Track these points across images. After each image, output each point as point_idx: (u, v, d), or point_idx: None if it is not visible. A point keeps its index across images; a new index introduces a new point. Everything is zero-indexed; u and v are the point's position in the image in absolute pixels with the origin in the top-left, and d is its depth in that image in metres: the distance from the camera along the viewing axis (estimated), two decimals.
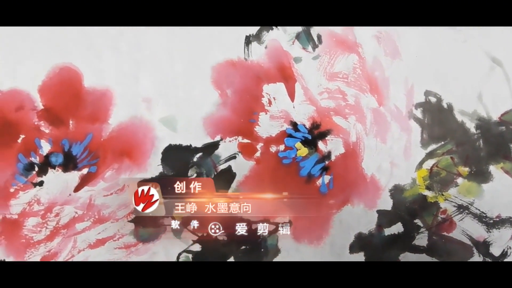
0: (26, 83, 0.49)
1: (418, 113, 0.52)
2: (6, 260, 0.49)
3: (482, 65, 0.53)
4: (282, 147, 0.51)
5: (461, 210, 0.52)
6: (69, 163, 0.49)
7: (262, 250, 0.51)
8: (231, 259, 0.51)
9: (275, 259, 0.51)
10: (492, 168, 0.52)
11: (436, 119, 0.52)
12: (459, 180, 0.52)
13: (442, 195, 0.52)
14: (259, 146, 0.51)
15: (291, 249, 0.51)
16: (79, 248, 0.49)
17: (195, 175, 0.50)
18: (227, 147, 0.51)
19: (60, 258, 0.49)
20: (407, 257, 0.52)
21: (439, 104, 0.52)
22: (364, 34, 0.52)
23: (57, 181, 0.49)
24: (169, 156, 0.50)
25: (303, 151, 0.51)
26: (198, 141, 0.50)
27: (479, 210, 0.53)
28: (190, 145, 0.50)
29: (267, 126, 0.51)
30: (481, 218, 0.52)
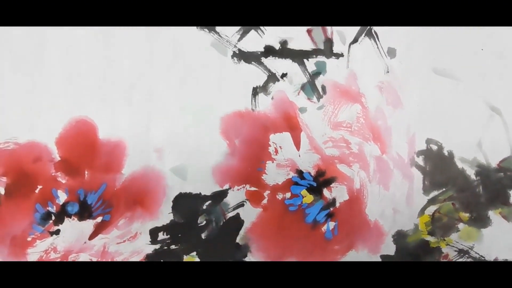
0: (44, 136, 0.51)
1: (420, 160, 0.54)
2: None
3: (481, 113, 0.55)
4: (288, 195, 0.53)
5: (462, 254, 0.54)
6: (84, 212, 0.52)
7: None
8: None
9: None
10: (491, 213, 0.54)
11: (438, 166, 0.54)
12: (460, 225, 0.54)
13: (444, 240, 0.54)
14: (266, 193, 0.53)
15: None
16: None
17: (204, 222, 0.53)
18: (235, 195, 0.53)
19: None
20: None
21: (440, 152, 0.54)
22: (367, 84, 0.54)
23: (73, 229, 0.51)
24: (180, 204, 0.52)
25: (308, 198, 0.54)
26: (207, 190, 0.53)
27: (478, 253, 0.55)
28: (200, 193, 0.53)
29: (273, 174, 0.53)
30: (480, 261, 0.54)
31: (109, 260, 0.52)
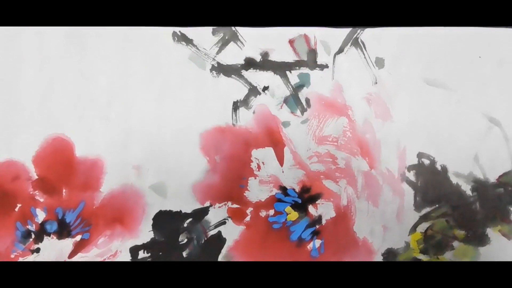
0: (21, 154, 0.51)
1: (411, 175, 0.52)
2: None
3: (479, 125, 0.52)
4: (272, 212, 0.52)
5: None
6: (63, 230, 0.52)
7: None
8: None
9: None
10: (489, 231, 0.52)
11: (430, 181, 0.52)
12: (455, 243, 0.52)
13: (438, 258, 0.52)
14: (249, 211, 0.52)
15: None
16: None
17: (185, 240, 0.52)
18: (217, 212, 0.52)
19: None
20: None
21: (432, 167, 0.52)
22: (354, 96, 0.52)
23: (52, 247, 0.52)
24: (160, 222, 0.52)
25: (293, 215, 0.52)
26: (188, 207, 0.52)
27: None
28: (180, 211, 0.52)
29: (256, 191, 0.52)
30: None
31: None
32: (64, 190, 0.52)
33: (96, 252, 0.52)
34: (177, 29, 0.51)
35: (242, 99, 0.52)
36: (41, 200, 0.52)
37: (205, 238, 0.52)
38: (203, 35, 0.51)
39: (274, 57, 0.52)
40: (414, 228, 0.52)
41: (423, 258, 0.52)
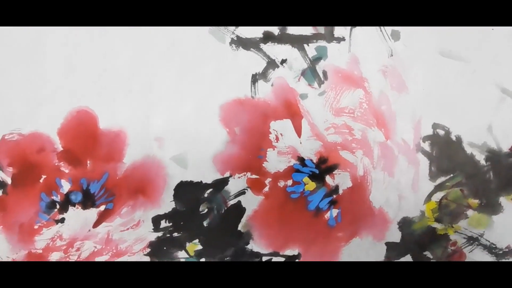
0: (46, 126, 0.52)
1: (426, 146, 0.53)
2: None
3: (492, 96, 0.53)
4: (290, 182, 0.53)
5: (471, 241, 0.54)
6: (87, 201, 0.53)
7: None
8: None
9: None
10: (503, 200, 0.53)
11: (445, 152, 0.53)
12: (469, 212, 0.53)
13: (452, 227, 0.53)
14: (268, 181, 0.53)
15: None
16: None
17: (206, 210, 0.53)
18: (236, 183, 0.53)
19: None
20: None
21: (447, 137, 0.53)
22: (370, 69, 0.53)
23: (77, 218, 0.53)
24: (181, 192, 0.53)
25: (310, 185, 0.53)
26: (208, 178, 0.53)
27: (488, 241, 0.54)
28: (201, 182, 0.53)
29: (275, 162, 0.53)
30: (490, 249, 0.53)
31: (113, 248, 0.53)
32: (88, 162, 0.53)
33: (119, 222, 0.54)
34: None
35: (260, 72, 0.53)
36: (66, 171, 0.53)
37: (225, 208, 0.54)
38: None
39: (292, 30, 0.53)
40: (429, 197, 0.53)
41: (438, 226, 0.54)
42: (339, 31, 0.53)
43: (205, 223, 0.54)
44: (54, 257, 0.53)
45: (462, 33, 0.53)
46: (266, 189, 0.54)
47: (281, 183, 0.54)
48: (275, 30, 0.53)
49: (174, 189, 0.53)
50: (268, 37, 0.53)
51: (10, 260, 0.53)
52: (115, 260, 0.54)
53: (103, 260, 0.54)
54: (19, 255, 0.53)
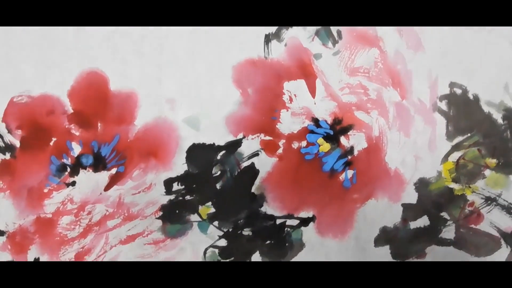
0: (56, 88, 0.52)
1: (443, 105, 0.53)
2: (41, 258, 0.53)
3: (508, 55, 0.52)
4: (304, 143, 0.53)
5: (489, 202, 0.53)
6: (98, 164, 0.52)
7: (287, 244, 0.53)
8: (256, 254, 0.53)
9: (300, 254, 0.53)
10: None
11: (462, 111, 0.53)
12: (487, 172, 0.53)
13: (469, 187, 0.53)
14: (281, 143, 0.53)
15: (316, 244, 0.53)
16: (111, 244, 0.53)
17: (219, 172, 0.53)
18: (250, 144, 0.53)
19: (93, 254, 0.53)
20: (434, 250, 0.53)
21: (464, 96, 0.52)
22: (385, 28, 0.52)
23: (88, 181, 0.52)
24: (193, 154, 0.53)
25: (325, 146, 0.53)
26: (221, 140, 0.53)
27: (507, 201, 0.53)
28: (214, 144, 0.53)
29: (288, 123, 0.53)
30: (509, 209, 0.53)
31: (125, 212, 0.53)
32: (99, 124, 0.53)
33: (131, 185, 0.53)
34: None
35: (274, 32, 0.53)
36: (77, 134, 0.52)
37: (238, 170, 0.53)
38: None
39: None
40: (446, 158, 0.53)
41: (455, 187, 0.53)
42: None
43: (218, 186, 0.53)
44: (65, 221, 0.53)
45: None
46: (280, 150, 0.53)
47: (295, 145, 0.53)
48: None
49: (186, 152, 0.53)
50: None
51: (16, 226, 0.52)
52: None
53: (114, 225, 0.53)
54: (26, 221, 0.53)
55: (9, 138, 0.52)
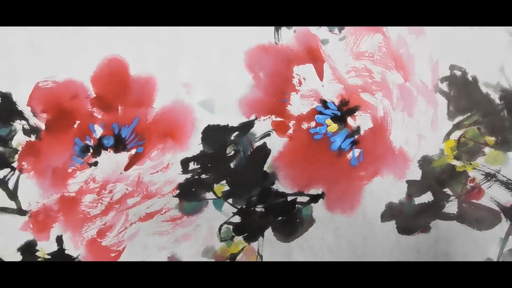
0: (80, 74, 0.55)
1: (444, 86, 0.56)
2: (64, 235, 0.56)
3: (503, 39, 0.56)
4: (313, 124, 0.56)
5: (489, 178, 0.56)
6: (119, 145, 0.56)
7: (298, 220, 0.56)
8: (269, 230, 0.56)
9: (310, 229, 0.56)
10: None
11: (462, 91, 0.56)
12: (486, 149, 0.56)
13: (470, 164, 0.56)
14: (291, 123, 0.56)
15: (325, 219, 0.56)
16: (131, 221, 0.56)
17: (232, 152, 0.56)
18: (262, 125, 0.56)
19: (114, 231, 0.56)
20: (437, 224, 0.56)
21: (464, 77, 0.56)
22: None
23: (110, 161, 0.56)
24: (208, 135, 0.56)
25: (333, 127, 0.56)
26: (235, 121, 0.56)
27: (505, 177, 0.56)
28: (227, 125, 0.56)
29: (298, 104, 0.56)
30: (507, 184, 0.56)
31: (144, 190, 0.56)
32: (119, 107, 0.56)
33: (149, 165, 0.56)
34: None
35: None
36: (99, 116, 0.56)
37: (251, 150, 0.56)
38: None
39: None
40: (447, 136, 0.56)
41: (457, 164, 0.56)
42: None
43: (231, 165, 0.56)
44: (87, 199, 0.56)
45: None
46: (290, 131, 0.56)
47: (305, 125, 0.57)
48: None
49: (202, 133, 0.56)
50: None
51: (40, 205, 0.55)
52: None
53: (133, 203, 0.56)
54: (50, 200, 0.56)
55: (34, 121, 0.56)
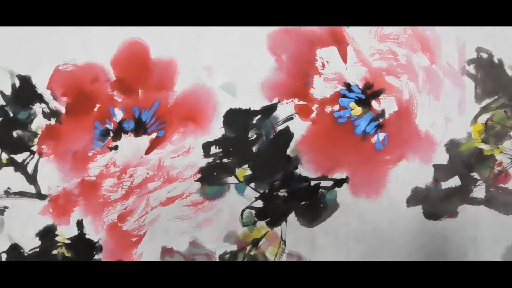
0: (100, 57, 0.55)
1: (471, 69, 0.55)
2: (84, 220, 0.55)
3: None
4: (337, 107, 0.55)
5: None
6: (139, 129, 0.55)
7: (321, 205, 0.55)
8: (292, 215, 0.55)
9: (334, 214, 0.55)
10: None
11: (489, 74, 0.55)
12: None
13: (498, 148, 0.55)
14: (315, 107, 0.55)
15: (350, 204, 0.55)
16: (152, 206, 0.55)
17: (255, 136, 0.55)
18: (284, 109, 0.55)
19: (135, 215, 0.55)
20: (465, 209, 0.55)
21: (491, 60, 0.55)
22: None
23: (130, 145, 0.55)
24: (230, 119, 0.55)
25: (357, 110, 0.55)
26: (257, 104, 0.55)
27: None
28: (249, 108, 0.55)
29: (321, 88, 0.55)
30: None
31: (165, 175, 0.55)
32: (140, 90, 0.56)
33: (170, 149, 0.56)
34: None
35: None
36: (119, 100, 0.55)
37: (274, 134, 0.56)
38: None
39: None
40: (475, 119, 0.55)
41: (485, 147, 0.55)
42: None
43: (254, 149, 0.56)
44: (108, 183, 0.55)
45: None
46: (314, 114, 0.56)
47: (328, 109, 0.56)
48: None
49: (224, 116, 0.56)
50: None
51: (60, 189, 0.55)
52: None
53: (154, 187, 0.56)
54: (71, 184, 0.55)
55: (54, 104, 0.55)
